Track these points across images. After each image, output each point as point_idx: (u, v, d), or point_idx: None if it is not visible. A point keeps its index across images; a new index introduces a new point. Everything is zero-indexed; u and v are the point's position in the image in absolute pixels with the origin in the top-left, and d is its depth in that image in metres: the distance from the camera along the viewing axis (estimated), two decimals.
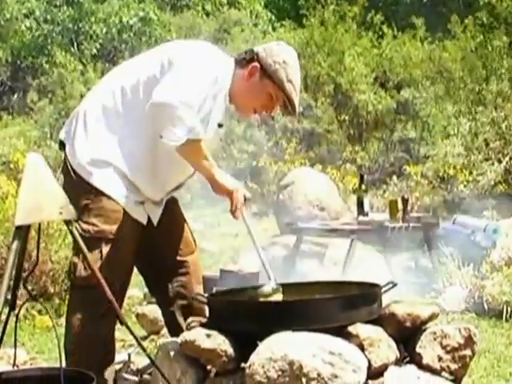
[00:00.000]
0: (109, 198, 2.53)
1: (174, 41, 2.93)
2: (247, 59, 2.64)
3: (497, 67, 7.94)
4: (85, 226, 2.49)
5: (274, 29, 13.14)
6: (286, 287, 2.62)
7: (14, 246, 2.02)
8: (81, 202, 2.48)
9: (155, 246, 2.73)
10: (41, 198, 1.99)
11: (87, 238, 2.43)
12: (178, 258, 2.79)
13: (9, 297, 2.08)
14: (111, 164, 2.53)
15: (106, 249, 2.48)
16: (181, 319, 2.76)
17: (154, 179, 2.60)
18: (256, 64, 2.62)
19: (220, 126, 2.68)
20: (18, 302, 2.14)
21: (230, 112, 2.82)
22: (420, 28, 9.76)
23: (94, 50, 12.17)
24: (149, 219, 2.65)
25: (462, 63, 8.60)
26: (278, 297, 2.53)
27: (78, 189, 2.50)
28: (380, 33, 10.25)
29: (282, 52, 2.65)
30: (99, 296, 2.30)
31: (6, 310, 2.10)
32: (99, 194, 2.52)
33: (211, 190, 2.63)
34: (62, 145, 2.66)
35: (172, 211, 2.77)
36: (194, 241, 2.88)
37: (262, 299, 2.51)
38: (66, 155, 2.60)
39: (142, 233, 2.63)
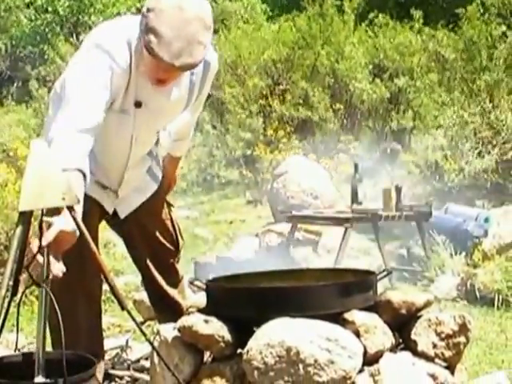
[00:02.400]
0: None
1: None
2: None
3: (490, 58, 7.99)
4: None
5: (271, 19, 13.18)
6: (281, 274, 2.66)
7: (18, 231, 2.03)
8: None
9: (135, 244, 2.76)
10: (44, 185, 2.00)
11: None
12: (161, 262, 2.81)
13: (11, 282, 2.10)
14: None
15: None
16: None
17: (103, 167, 2.52)
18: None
19: (137, 105, 2.40)
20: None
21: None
22: (417, 20, 9.82)
23: None
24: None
25: (457, 53, 8.65)
26: None
27: None
28: (377, 23, 10.30)
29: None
30: (77, 283, 2.34)
31: (9, 294, 2.11)
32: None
33: None
34: None
35: (150, 213, 2.74)
36: (181, 235, 2.87)
37: None
38: None
39: (127, 223, 2.66)
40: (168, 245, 2.83)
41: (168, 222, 2.83)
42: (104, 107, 2.25)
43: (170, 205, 2.87)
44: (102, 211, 2.60)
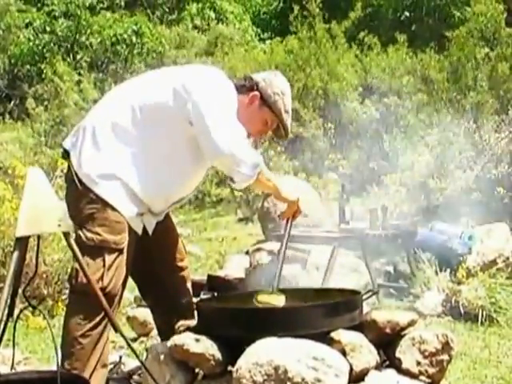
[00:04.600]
0: (113, 209, 2.59)
1: (179, 65, 3.05)
2: (247, 87, 2.83)
3: (474, 80, 8.14)
4: (89, 235, 2.56)
5: (262, 41, 13.39)
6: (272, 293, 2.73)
7: (14, 256, 2.11)
8: (85, 210, 2.56)
9: (148, 254, 2.81)
10: (40, 211, 2.08)
11: (91, 247, 2.54)
12: (169, 264, 2.90)
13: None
14: (118, 177, 2.61)
15: (108, 258, 2.55)
16: (169, 324, 2.87)
17: (159, 193, 2.69)
18: (256, 93, 2.81)
19: None
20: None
21: None
22: (402, 43, 10.03)
23: (89, 61, 12.42)
24: (144, 229, 2.73)
25: (443, 75, 8.81)
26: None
27: (83, 198, 2.57)
28: (366, 46, 10.49)
29: (280, 83, 2.86)
30: (97, 303, 2.39)
31: (5, 315, 2.18)
32: (104, 204, 2.59)
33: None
34: (66, 153, 2.71)
35: (164, 221, 2.84)
36: (184, 247, 2.99)
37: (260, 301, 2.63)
38: (71, 165, 2.66)
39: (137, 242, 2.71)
40: (180, 245, 2.96)
41: (174, 225, 2.98)
42: None
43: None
44: (135, 237, 2.70)
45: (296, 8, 10.43)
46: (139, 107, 2.64)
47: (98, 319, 2.55)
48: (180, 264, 2.93)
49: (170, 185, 2.69)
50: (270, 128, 2.89)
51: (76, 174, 2.62)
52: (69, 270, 2.69)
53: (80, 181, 2.61)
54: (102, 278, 2.46)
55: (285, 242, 2.85)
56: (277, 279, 2.72)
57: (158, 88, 2.69)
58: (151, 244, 2.78)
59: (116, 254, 2.59)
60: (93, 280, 2.21)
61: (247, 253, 5.71)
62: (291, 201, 2.88)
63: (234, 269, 5.23)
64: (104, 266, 2.55)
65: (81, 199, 2.51)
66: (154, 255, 2.85)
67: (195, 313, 2.73)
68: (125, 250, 2.63)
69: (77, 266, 2.56)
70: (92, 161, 2.62)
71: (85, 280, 2.51)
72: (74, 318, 2.59)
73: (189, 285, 2.97)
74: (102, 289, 2.46)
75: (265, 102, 2.82)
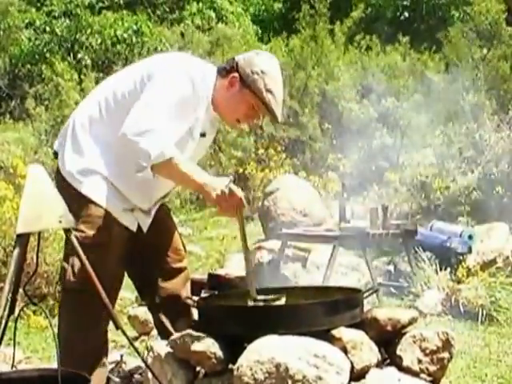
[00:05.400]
0: (96, 204, 2.57)
1: (158, 53, 2.98)
2: (227, 69, 2.67)
3: (474, 79, 8.16)
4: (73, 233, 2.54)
5: (263, 42, 13.41)
6: (271, 292, 2.73)
7: (15, 253, 2.11)
8: (71, 209, 2.46)
9: (144, 254, 2.80)
10: (41, 208, 2.08)
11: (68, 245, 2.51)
12: (166, 266, 2.86)
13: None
14: (98, 172, 2.59)
15: (91, 255, 2.42)
16: (168, 324, 2.87)
17: (139, 189, 2.63)
18: (235, 74, 2.64)
19: (202, 135, 2.71)
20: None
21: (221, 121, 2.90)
22: (403, 43, 10.04)
23: (89, 61, 12.44)
24: (139, 227, 2.71)
25: (441, 75, 8.82)
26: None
27: (69, 196, 2.51)
28: (366, 47, 10.51)
29: (261, 62, 2.65)
30: (89, 300, 2.37)
31: (6, 314, 2.18)
32: (87, 201, 2.57)
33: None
34: (55, 154, 2.74)
35: (162, 220, 2.83)
36: (184, 247, 2.96)
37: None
38: (58, 164, 2.67)
39: (132, 240, 2.68)
40: (179, 246, 2.91)
41: (174, 225, 2.95)
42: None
43: (168, 208, 2.97)
44: (127, 234, 2.67)
45: (305, 7, 10.44)
46: (113, 97, 2.60)
47: (91, 317, 2.53)
48: (178, 265, 2.89)
49: (146, 180, 2.56)
50: (259, 111, 2.68)
51: (61, 172, 2.62)
52: None
53: (64, 179, 2.60)
54: (84, 274, 2.42)
55: (242, 242, 2.57)
56: (252, 287, 2.58)
57: (131, 76, 2.64)
58: (148, 245, 2.76)
59: (99, 249, 2.53)
60: (92, 274, 2.20)
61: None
62: (219, 193, 2.45)
63: (235, 267, 5.23)
64: (86, 262, 2.51)
65: (66, 198, 2.47)
66: (150, 256, 2.82)
67: (192, 313, 2.72)
68: (111, 246, 2.59)
69: (64, 264, 2.57)
70: (72, 158, 2.61)
71: (72, 278, 2.51)
72: (67, 316, 2.59)
73: (187, 286, 2.94)
74: (86, 286, 2.42)
75: (244, 82, 2.62)
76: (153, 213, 2.77)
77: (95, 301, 2.29)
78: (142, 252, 2.78)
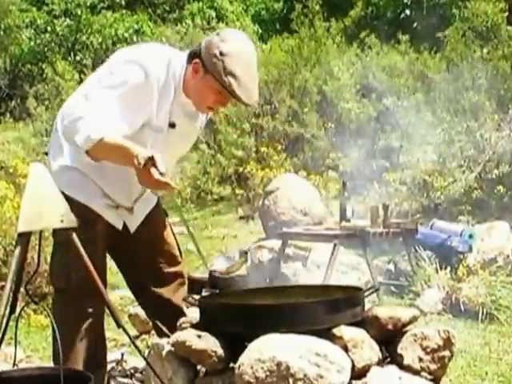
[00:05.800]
0: (78, 201, 2.53)
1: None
2: (192, 55, 2.55)
3: (474, 78, 8.17)
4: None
5: (263, 41, 13.43)
6: (272, 291, 2.74)
7: (17, 252, 2.11)
8: None
9: (137, 260, 2.79)
10: (42, 207, 2.08)
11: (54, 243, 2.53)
12: (160, 271, 2.84)
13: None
14: (77, 169, 2.57)
15: (66, 252, 2.37)
16: (164, 328, 2.87)
17: (116, 184, 2.61)
18: (197, 60, 2.52)
19: (172, 125, 2.60)
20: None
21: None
22: (404, 42, 10.05)
23: (90, 60, 12.45)
24: (126, 227, 2.68)
25: (442, 74, 8.83)
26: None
27: None
28: (365, 45, 10.51)
29: (220, 43, 2.48)
30: (72, 298, 2.39)
31: (7, 312, 2.18)
32: (68, 199, 2.48)
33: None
34: (47, 154, 2.75)
35: (155, 224, 2.80)
36: (180, 252, 2.93)
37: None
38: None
39: (124, 245, 2.68)
40: (174, 250, 2.89)
41: (169, 230, 2.91)
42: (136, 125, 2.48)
43: (165, 213, 2.95)
44: (111, 231, 2.66)
45: (298, 6, 10.43)
46: (84, 94, 2.55)
47: (77, 316, 2.53)
48: (172, 270, 2.88)
49: (119, 176, 2.55)
50: (229, 96, 2.52)
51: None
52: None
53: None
54: (55, 271, 2.40)
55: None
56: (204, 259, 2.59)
57: (99, 70, 2.62)
58: (140, 250, 2.75)
59: (87, 247, 2.38)
60: (94, 273, 2.20)
61: (248, 250, 5.72)
62: (141, 163, 2.33)
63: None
64: (89, 263, 2.50)
65: None
66: (142, 261, 2.80)
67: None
68: (98, 243, 2.57)
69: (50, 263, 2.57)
70: (54, 156, 2.62)
71: (55, 278, 2.51)
72: (55, 315, 2.56)
73: (180, 291, 2.91)
74: (69, 284, 2.42)
75: (206, 68, 2.49)
76: (139, 213, 2.73)
77: (80, 299, 2.28)
78: (134, 257, 2.77)
